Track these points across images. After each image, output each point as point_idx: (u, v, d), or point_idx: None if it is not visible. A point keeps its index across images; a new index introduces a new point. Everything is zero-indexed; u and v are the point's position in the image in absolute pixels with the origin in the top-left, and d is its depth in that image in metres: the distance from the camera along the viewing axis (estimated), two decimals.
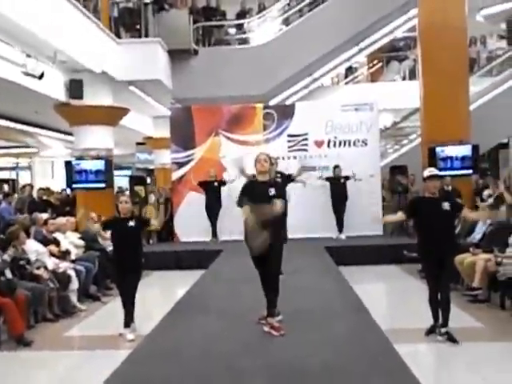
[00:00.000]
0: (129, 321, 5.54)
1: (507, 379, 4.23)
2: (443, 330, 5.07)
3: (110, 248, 7.32)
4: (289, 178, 7.96)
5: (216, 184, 10.76)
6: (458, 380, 4.26)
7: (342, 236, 10.77)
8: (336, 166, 10.76)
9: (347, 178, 10.69)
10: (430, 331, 5.23)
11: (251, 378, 3.53)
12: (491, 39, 15.94)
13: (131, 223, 5.57)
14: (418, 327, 5.52)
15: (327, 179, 10.84)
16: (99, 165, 10.72)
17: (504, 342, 5.13)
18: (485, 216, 6.86)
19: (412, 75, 15.13)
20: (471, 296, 6.59)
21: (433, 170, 5.39)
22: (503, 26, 16.15)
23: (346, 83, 16.51)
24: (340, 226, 10.81)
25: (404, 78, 15.80)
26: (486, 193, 10.06)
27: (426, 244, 5.17)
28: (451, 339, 5.01)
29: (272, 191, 4.72)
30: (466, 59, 10.79)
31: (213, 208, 10.81)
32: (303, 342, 4.26)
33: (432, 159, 10.25)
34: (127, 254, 5.55)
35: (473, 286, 6.58)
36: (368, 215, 10.52)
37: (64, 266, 6.95)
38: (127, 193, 12.33)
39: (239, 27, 13.66)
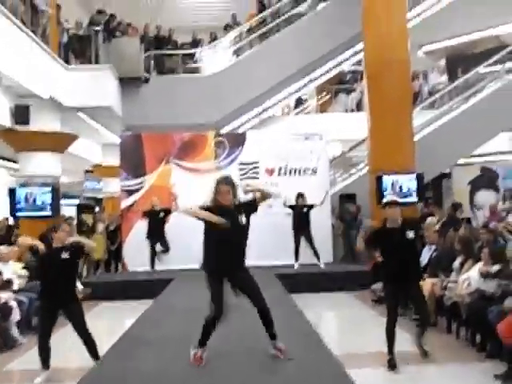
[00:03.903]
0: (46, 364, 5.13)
1: None
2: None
3: None
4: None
5: (162, 214, 10.20)
6: None
7: (322, 265, 10.28)
8: (300, 195, 10.33)
9: (311, 206, 10.29)
10: (393, 366, 5.01)
11: None
12: (432, 74, 16.76)
13: (65, 255, 5.01)
14: (368, 351, 5.61)
15: (291, 207, 10.33)
16: (45, 192, 10.41)
17: (449, 364, 5.24)
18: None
19: (359, 107, 15.64)
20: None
21: (391, 197, 5.26)
22: (443, 61, 17.08)
23: (296, 113, 16.89)
24: (315, 254, 10.26)
25: (352, 110, 16.30)
26: (428, 221, 10.37)
27: (391, 271, 5.12)
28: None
29: (243, 220, 4.16)
30: (409, 92, 11.25)
31: (154, 239, 10.28)
32: (251, 367, 4.20)
33: (379, 188, 10.53)
34: (58, 288, 5.02)
35: None
36: (317, 243, 10.59)
37: (5, 296, 6.64)
38: (74, 222, 12.08)
39: (191, 57, 13.78)
